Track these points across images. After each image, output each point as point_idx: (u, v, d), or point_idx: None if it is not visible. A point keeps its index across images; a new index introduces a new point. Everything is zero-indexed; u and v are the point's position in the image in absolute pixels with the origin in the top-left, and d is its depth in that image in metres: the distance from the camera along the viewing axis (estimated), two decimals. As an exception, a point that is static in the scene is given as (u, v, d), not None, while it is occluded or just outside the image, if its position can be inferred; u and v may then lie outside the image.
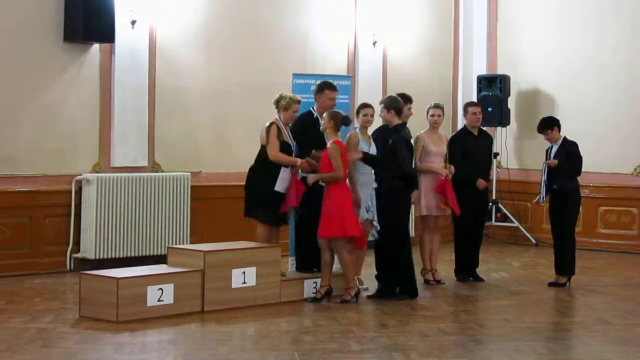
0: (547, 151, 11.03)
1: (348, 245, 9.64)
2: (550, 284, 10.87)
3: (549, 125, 10.93)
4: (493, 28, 15.18)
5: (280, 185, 9.69)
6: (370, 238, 10.44)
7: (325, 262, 9.68)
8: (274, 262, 9.66)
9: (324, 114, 9.78)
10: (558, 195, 10.82)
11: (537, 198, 11.03)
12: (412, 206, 10.89)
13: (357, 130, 10.36)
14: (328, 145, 9.62)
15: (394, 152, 9.88)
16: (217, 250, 9.48)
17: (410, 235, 11.31)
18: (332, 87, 10.18)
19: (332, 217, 9.50)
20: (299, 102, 9.88)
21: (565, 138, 10.92)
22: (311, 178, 9.63)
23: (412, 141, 10.72)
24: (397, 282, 9.99)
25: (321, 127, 9.75)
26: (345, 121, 9.81)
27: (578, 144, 10.94)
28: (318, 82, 10.38)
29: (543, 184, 10.85)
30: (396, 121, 10.04)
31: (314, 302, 9.59)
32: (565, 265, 10.86)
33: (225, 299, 9.28)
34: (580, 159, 10.90)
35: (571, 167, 10.83)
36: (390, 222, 9.97)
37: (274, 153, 9.66)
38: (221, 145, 12.45)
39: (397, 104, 10.09)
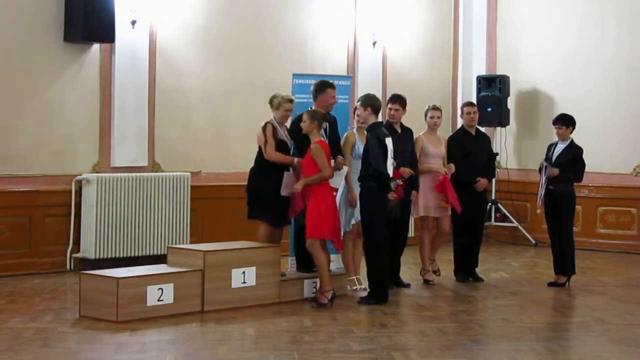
0: (549, 147, 11.00)
1: (324, 246, 9.57)
2: (550, 284, 10.88)
3: (569, 122, 10.88)
4: (493, 28, 15.18)
5: (285, 190, 9.68)
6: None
7: (321, 263, 9.58)
8: (274, 262, 9.66)
9: (304, 116, 9.61)
10: (553, 197, 10.80)
11: (538, 204, 10.92)
12: (412, 207, 10.91)
13: (354, 130, 10.36)
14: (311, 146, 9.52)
15: (367, 151, 9.73)
16: (216, 250, 9.48)
17: (409, 235, 11.38)
18: (333, 86, 10.15)
19: (310, 217, 9.44)
20: (291, 101, 9.84)
21: (572, 141, 10.90)
22: (298, 185, 9.50)
23: (413, 143, 10.79)
24: (370, 285, 9.82)
25: (304, 130, 9.57)
26: (327, 118, 9.71)
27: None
28: (316, 81, 10.33)
29: (541, 187, 10.81)
30: (372, 119, 9.82)
31: (320, 307, 9.44)
32: (564, 265, 10.87)
33: (225, 299, 9.28)
34: (584, 165, 10.91)
35: (574, 174, 10.84)
36: (364, 222, 9.81)
37: (270, 152, 9.64)
38: (221, 145, 12.45)
39: (374, 102, 9.90)
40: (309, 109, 9.97)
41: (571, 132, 10.92)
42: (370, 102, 9.86)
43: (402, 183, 10.21)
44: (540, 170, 10.91)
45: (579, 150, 10.89)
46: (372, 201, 9.71)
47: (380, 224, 9.73)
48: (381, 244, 9.74)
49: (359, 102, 9.99)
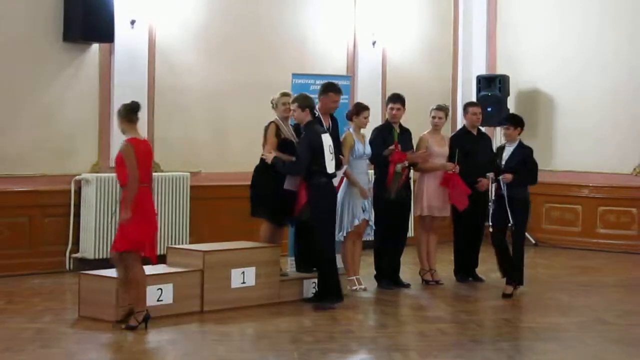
0: (498, 150, 10.59)
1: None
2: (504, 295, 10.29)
3: (518, 123, 10.41)
4: (492, 28, 15.18)
5: (288, 183, 9.63)
6: (367, 238, 10.46)
7: (140, 280, 8.43)
8: (273, 262, 9.65)
9: (118, 112, 8.63)
10: (505, 201, 10.20)
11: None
12: (414, 206, 10.92)
13: (352, 130, 10.36)
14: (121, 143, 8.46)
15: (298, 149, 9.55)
16: (216, 250, 9.48)
17: (409, 234, 11.37)
18: (337, 90, 10.08)
19: (135, 226, 8.34)
20: (286, 94, 9.80)
21: (521, 141, 10.43)
22: (125, 215, 8.28)
23: (415, 143, 10.83)
24: (320, 285, 9.59)
25: (120, 128, 8.60)
26: (134, 107, 8.57)
27: (533, 149, 10.43)
28: (323, 82, 10.29)
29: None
30: (308, 119, 9.56)
31: (130, 330, 8.26)
32: (512, 274, 10.36)
33: (225, 299, 9.28)
34: (536, 166, 10.44)
35: (529, 175, 10.30)
36: (311, 220, 9.50)
37: (267, 151, 9.61)
38: (220, 145, 12.45)
39: (310, 102, 9.63)
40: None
41: (519, 134, 10.41)
42: (308, 103, 9.59)
43: (407, 166, 10.27)
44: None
45: (530, 150, 10.38)
46: (321, 197, 9.49)
47: (328, 222, 9.58)
48: (325, 241, 9.54)
49: (295, 103, 9.58)
